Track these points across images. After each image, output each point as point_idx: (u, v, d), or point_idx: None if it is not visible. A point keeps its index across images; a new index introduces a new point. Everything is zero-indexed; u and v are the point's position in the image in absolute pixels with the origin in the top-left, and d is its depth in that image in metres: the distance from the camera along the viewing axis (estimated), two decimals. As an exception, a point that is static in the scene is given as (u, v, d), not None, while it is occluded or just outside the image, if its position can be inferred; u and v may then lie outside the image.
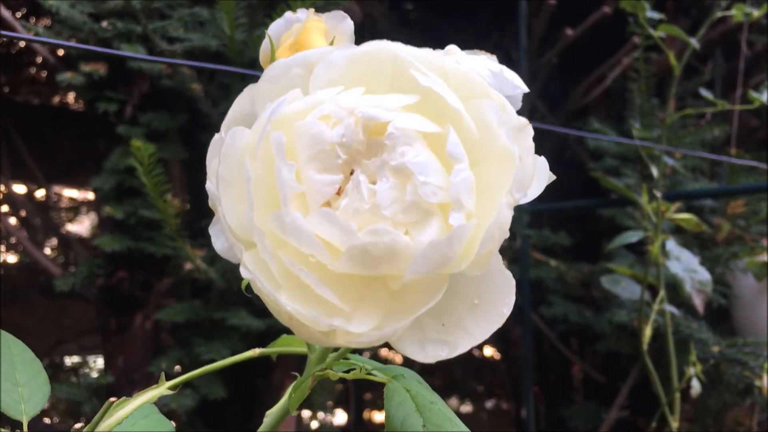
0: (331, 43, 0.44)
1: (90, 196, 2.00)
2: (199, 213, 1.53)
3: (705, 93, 1.33)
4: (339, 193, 0.34)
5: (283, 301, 0.33)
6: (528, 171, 0.35)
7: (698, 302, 1.13)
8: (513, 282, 0.36)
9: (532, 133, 0.35)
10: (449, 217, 0.32)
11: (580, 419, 1.88)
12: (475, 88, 0.36)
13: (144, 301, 1.48)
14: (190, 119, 1.47)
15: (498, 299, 0.36)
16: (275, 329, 1.32)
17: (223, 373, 1.34)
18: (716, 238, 1.69)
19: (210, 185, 0.36)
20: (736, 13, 1.32)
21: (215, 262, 1.37)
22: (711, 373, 1.38)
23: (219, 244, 0.36)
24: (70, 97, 1.77)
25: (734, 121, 1.79)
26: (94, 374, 1.85)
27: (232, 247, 0.35)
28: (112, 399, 0.47)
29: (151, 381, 1.44)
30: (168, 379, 1.51)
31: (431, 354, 0.35)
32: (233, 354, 1.39)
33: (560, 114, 1.99)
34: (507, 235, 0.34)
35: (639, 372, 1.74)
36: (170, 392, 0.49)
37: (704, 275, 1.15)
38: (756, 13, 1.31)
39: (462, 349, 0.35)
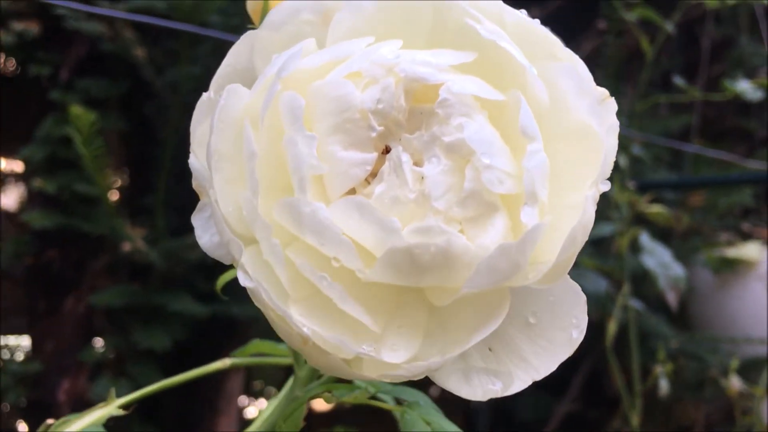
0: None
1: (18, 168, 1.86)
2: (138, 189, 1.41)
3: (678, 81, 1.28)
4: (370, 177, 0.26)
5: (297, 319, 0.24)
6: (611, 156, 0.27)
7: (672, 299, 1.09)
8: (583, 297, 0.28)
9: (615, 106, 0.27)
10: (521, 213, 0.24)
11: (530, 411, 1.84)
12: (540, 46, 0.28)
13: (77, 282, 1.36)
14: (131, 87, 1.35)
15: (562, 318, 0.27)
16: (223, 316, 1.23)
17: (162, 361, 1.24)
18: (675, 229, 1.66)
19: (195, 161, 0.27)
20: (710, -1, 1.28)
21: (158, 242, 1.26)
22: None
23: (206, 238, 0.27)
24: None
25: (695, 112, 1.76)
26: (21, 356, 1.73)
27: (226, 244, 0.25)
28: (50, 421, 0.38)
29: (82, 369, 1.33)
30: (106, 366, 1.36)
31: (479, 388, 0.27)
32: (174, 342, 1.28)
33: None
34: (587, 237, 0.26)
35: (591, 364, 1.71)
36: (121, 412, 0.40)
37: (678, 271, 1.11)
38: (731, -1, 1.28)
39: (519, 383, 0.26)
